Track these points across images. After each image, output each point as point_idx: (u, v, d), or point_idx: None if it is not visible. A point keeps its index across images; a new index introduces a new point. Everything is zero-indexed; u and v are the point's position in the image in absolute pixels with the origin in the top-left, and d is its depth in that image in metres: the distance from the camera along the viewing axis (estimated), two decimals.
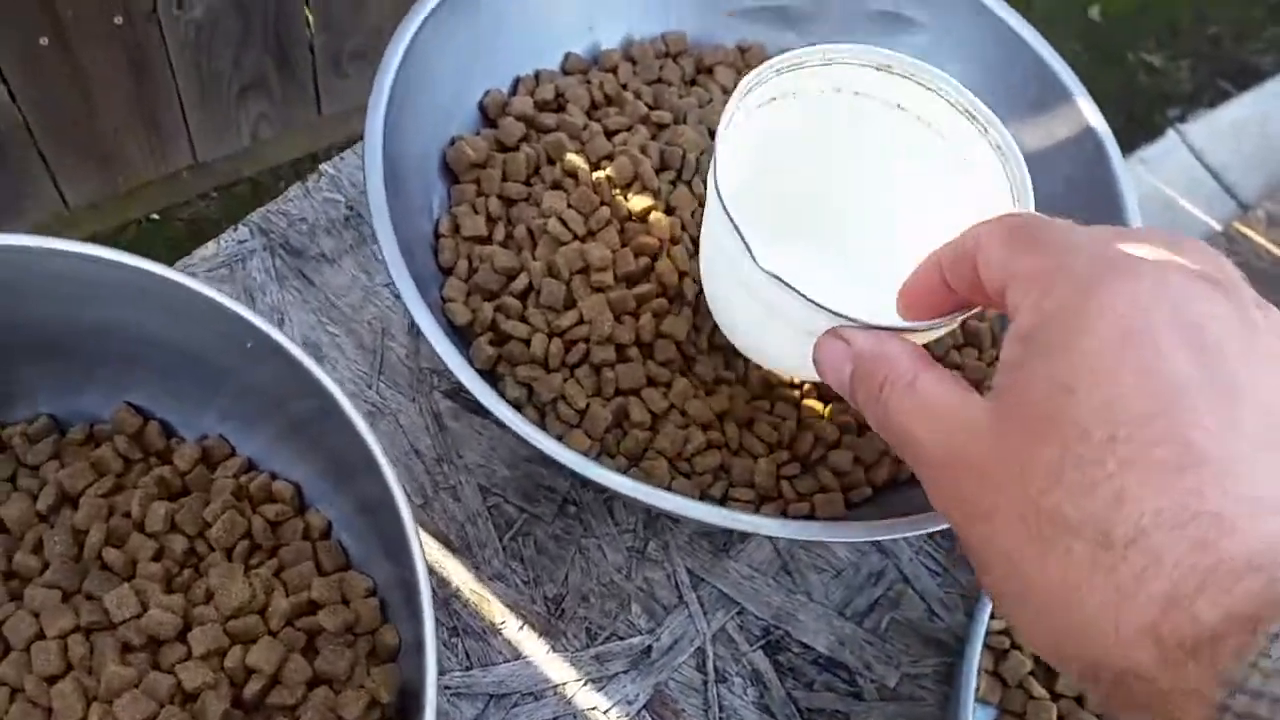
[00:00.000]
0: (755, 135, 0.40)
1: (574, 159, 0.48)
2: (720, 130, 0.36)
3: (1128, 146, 1.83)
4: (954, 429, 0.26)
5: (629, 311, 0.45)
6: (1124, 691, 0.22)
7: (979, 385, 0.46)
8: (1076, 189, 0.47)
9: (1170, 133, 1.85)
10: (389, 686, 0.36)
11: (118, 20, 1.02)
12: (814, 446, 0.44)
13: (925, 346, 0.34)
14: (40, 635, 0.35)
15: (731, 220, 0.34)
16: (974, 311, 0.32)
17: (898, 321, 0.32)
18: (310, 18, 1.17)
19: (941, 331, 0.34)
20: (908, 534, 0.38)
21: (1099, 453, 0.22)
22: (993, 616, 0.45)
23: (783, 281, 0.33)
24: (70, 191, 1.17)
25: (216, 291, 0.35)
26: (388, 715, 0.36)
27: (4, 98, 1.01)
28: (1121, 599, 0.21)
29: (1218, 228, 1.70)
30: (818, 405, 0.46)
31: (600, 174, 0.47)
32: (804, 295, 0.33)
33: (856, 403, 0.30)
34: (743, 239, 0.34)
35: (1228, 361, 0.23)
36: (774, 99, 0.39)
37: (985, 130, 0.38)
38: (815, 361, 0.32)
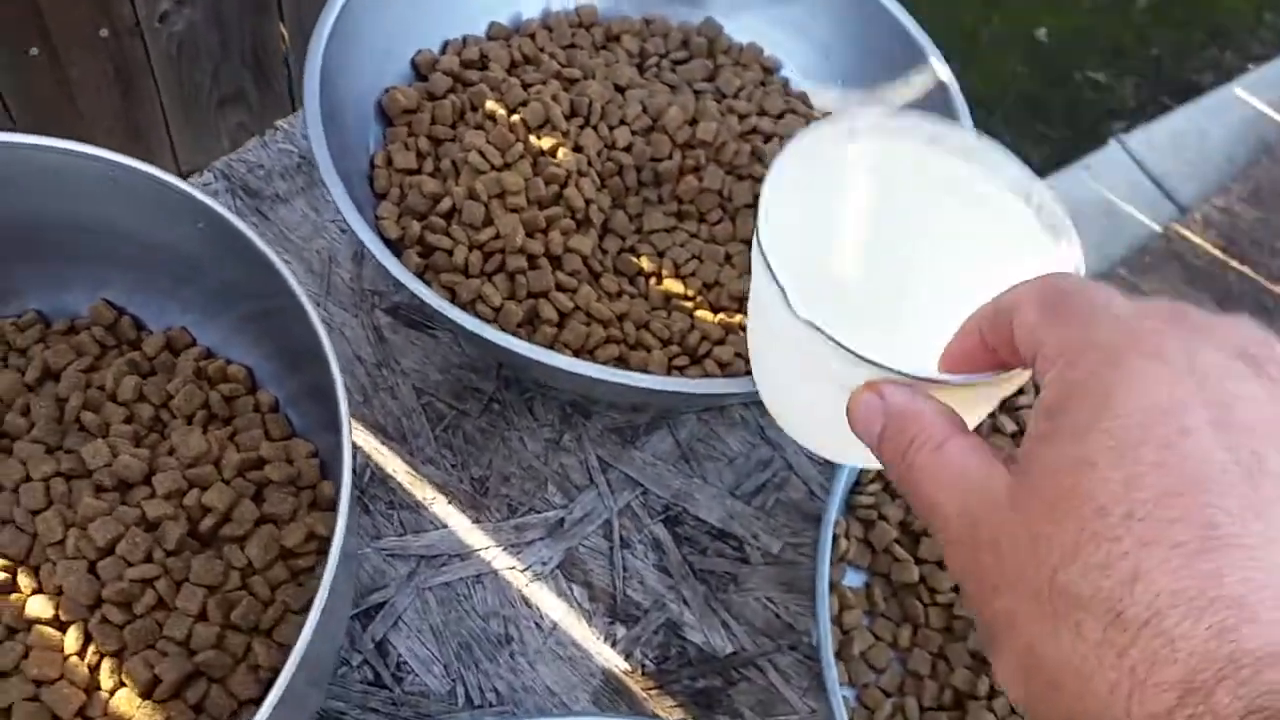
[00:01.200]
0: (806, 189, 0.38)
1: (493, 105, 0.55)
2: (769, 178, 0.35)
3: (1073, 156, 1.92)
4: (975, 498, 0.25)
5: (540, 229, 0.52)
6: None
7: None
8: None
9: (1113, 142, 1.94)
10: (325, 523, 0.42)
11: (103, 32, 1.09)
12: (701, 341, 0.51)
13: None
14: (27, 478, 0.41)
15: (768, 264, 0.32)
16: (1014, 374, 0.31)
17: (935, 373, 0.31)
18: (285, 33, 1.25)
19: (979, 388, 0.32)
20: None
21: (1116, 530, 0.21)
22: (856, 491, 0.52)
23: (821, 331, 0.31)
24: None
25: (197, 189, 0.42)
26: (324, 549, 0.43)
27: None
28: (1134, 682, 0.21)
29: (1158, 229, 1.79)
30: (707, 314, 0.53)
31: (516, 117, 0.55)
32: (842, 345, 0.31)
33: (883, 459, 0.29)
34: (779, 284, 0.32)
35: (1256, 443, 0.22)
36: (830, 161, 0.38)
37: (1044, 213, 0.36)
38: (849, 413, 0.31)
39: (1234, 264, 1.74)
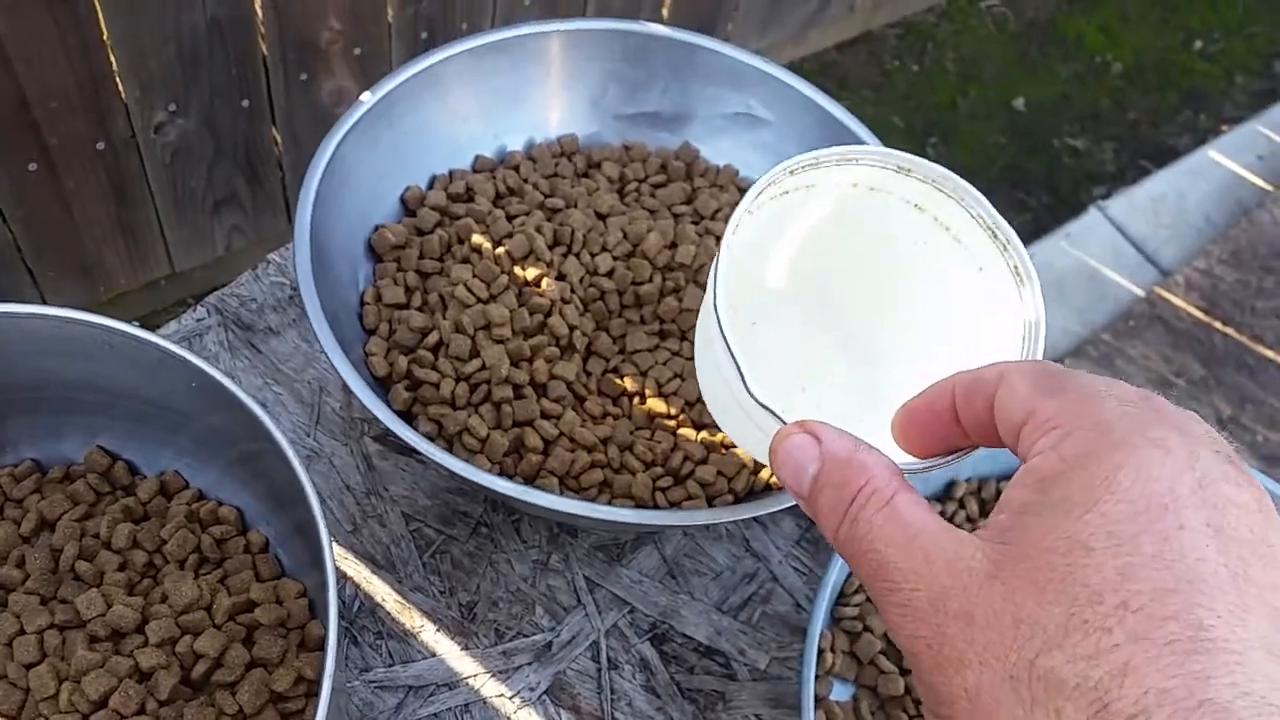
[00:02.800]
0: (765, 222, 0.39)
1: (479, 238, 0.57)
2: (726, 236, 0.35)
3: (1054, 223, 1.95)
4: (943, 566, 0.24)
5: (525, 358, 0.53)
6: None
7: None
8: None
9: (1093, 209, 1.97)
10: (314, 666, 0.43)
11: (99, 145, 1.13)
12: (684, 462, 0.53)
13: None
14: (21, 631, 0.42)
15: (728, 345, 0.33)
16: (959, 456, 0.30)
17: (888, 448, 0.30)
18: (278, 136, 1.28)
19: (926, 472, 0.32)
20: (757, 514, 0.46)
21: (1108, 620, 0.21)
22: (841, 603, 0.53)
23: (773, 413, 0.31)
24: (54, 301, 1.26)
25: (178, 346, 0.43)
26: (313, 692, 0.43)
27: None
28: None
29: (1140, 293, 1.82)
30: (690, 432, 0.54)
31: (501, 249, 0.57)
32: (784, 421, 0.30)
33: (815, 509, 0.27)
34: (737, 365, 0.32)
35: (1243, 551, 0.22)
36: (787, 192, 0.38)
37: (1005, 249, 0.36)
38: (772, 454, 0.29)
39: (1217, 325, 1.76)
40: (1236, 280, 1.82)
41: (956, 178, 0.36)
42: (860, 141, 0.58)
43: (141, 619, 0.43)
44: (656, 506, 0.52)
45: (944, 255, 0.38)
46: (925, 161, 0.36)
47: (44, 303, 1.24)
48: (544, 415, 0.53)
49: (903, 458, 0.31)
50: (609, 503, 0.52)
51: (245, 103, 1.21)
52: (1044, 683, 0.21)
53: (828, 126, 0.59)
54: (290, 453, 0.43)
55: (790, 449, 0.28)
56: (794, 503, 0.48)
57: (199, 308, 0.59)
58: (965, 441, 0.29)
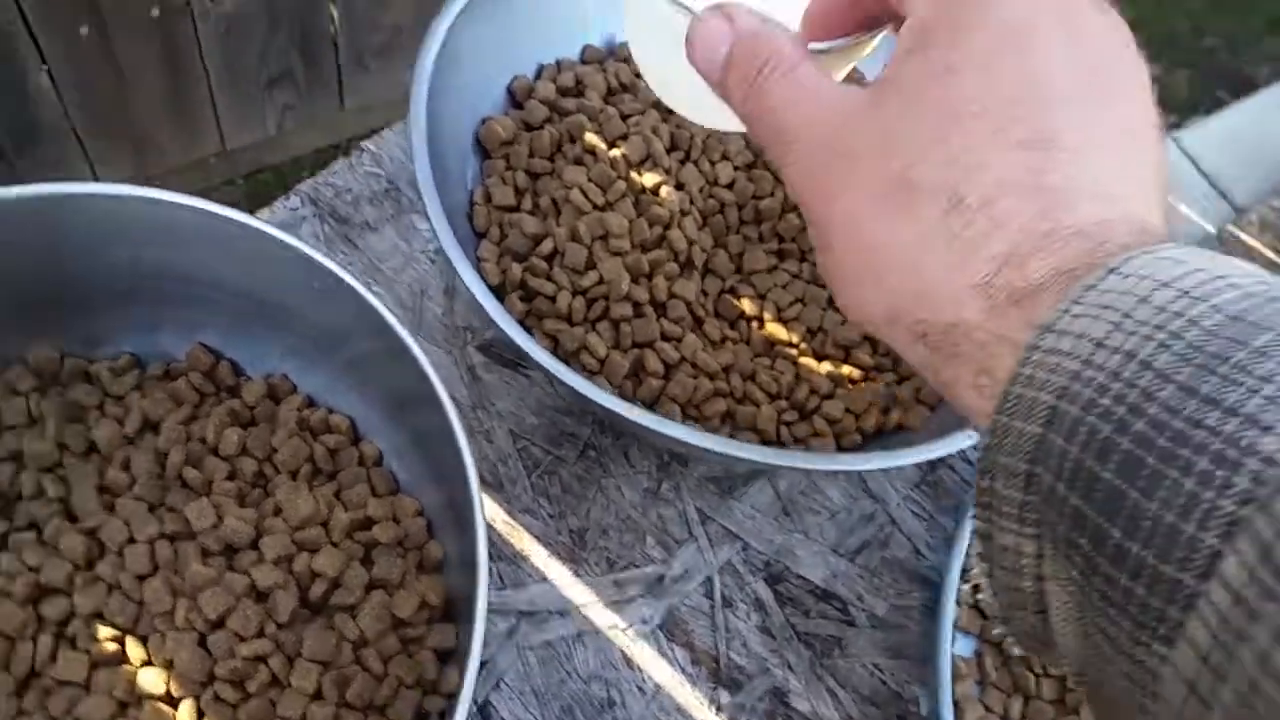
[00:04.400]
0: None
1: (592, 138, 0.53)
2: None
3: None
4: (829, 115, 0.26)
5: (644, 274, 0.50)
6: (947, 344, 0.24)
7: None
8: None
9: (1167, 139, 1.89)
10: (437, 592, 0.41)
11: (154, 12, 1.07)
12: (809, 396, 0.49)
13: None
14: (131, 540, 0.40)
15: None
16: (875, 34, 0.31)
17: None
18: (335, 14, 1.22)
19: (840, 53, 0.31)
20: (887, 466, 0.43)
21: (968, 125, 0.24)
22: (965, 554, 0.50)
23: (684, 6, 0.30)
24: (103, 172, 1.21)
25: (291, 237, 0.39)
26: (434, 618, 0.41)
27: (45, 83, 1.06)
28: (963, 258, 0.23)
29: (1211, 230, 1.75)
30: (812, 362, 0.51)
31: (616, 152, 0.52)
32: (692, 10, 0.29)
33: (727, 87, 0.28)
34: None
35: (1104, 68, 0.25)
36: None
37: None
38: (689, 40, 0.30)
39: None
40: None
41: None
42: None
43: (255, 533, 0.40)
44: (781, 442, 0.49)
45: None
46: None
47: (94, 174, 1.19)
48: (664, 336, 0.49)
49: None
50: (731, 434, 0.49)
51: None
52: (908, 190, 0.24)
53: None
54: (419, 353, 0.40)
55: (705, 32, 0.29)
56: (930, 455, 0.44)
57: (292, 196, 0.55)
58: (874, 22, 0.30)
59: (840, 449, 0.49)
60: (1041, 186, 0.23)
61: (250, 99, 1.25)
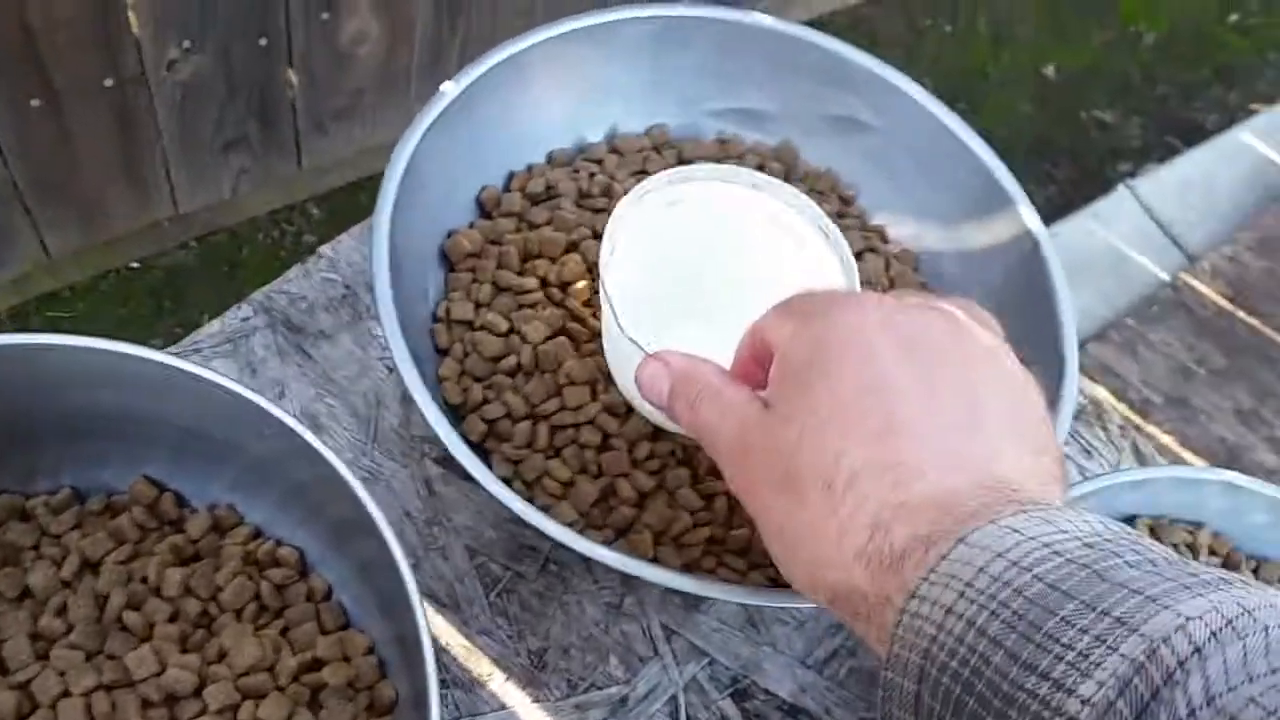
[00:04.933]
0: (653, 234, 0.47)
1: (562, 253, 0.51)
2: (608, 228, 0.44)
3: (1078, 197, 1.91)
4: (741, 423, 0.33)
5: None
6: (850, 606, 0.29)
7: None
8: (1013, 279, 0.52)
9: (1121, 188, 1.93)
10: None
11: (108, 82, 1.05)
12: None
13: None
14: (66, 693, 0.38)
15: (606, 293, 0.41)
16: None
17: None
18: (294, 79, 1.21)
19: None
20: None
21: (825, 425, 0.30)
22: None
23: (637, 344, 0.40)
24: (52, 240, 1.19)
25: (232, 382, 0.38)
26: None
27: None
28: (843, 531, 0.28)
29: (1166, 278, 1.78)
30: None
31: (583, 284, 0.51)
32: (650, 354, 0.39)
33: (674, 412, 0.36)
34: (612, 308, 0.41)
35: (935, 360, 0.31)
36: (670, 204, 0.47)
37: (833, 243, 0.46)
38: (637, 380, 0.38)
39: (1241, 315, 1.73)
40: (1264, 269, 1.79)
41: (792, 189, 0.47)
42: (976, 159, 0.53)
43: (198, 681, 0.39)
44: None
45: (791, 256, 0.48)
46: (772, 179, 0.47)
47: (42, 243, 1.17)
48: (635, 465, 0.48)
49: None
50: (720, 557, 0.47)
51: (263, 41, 1.13)
52: (797, 479, 0.30)
53: (940, 139, 0.54)
54: (356, 484, 0.39)
55: (646, 374, 0.37)
56: None
57: (244, 305, 0.54)
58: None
59: None
60: (893, 464, 0.28)
61: (205, 164, 1.23)
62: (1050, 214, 1.90)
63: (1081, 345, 1.68)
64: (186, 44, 1.07)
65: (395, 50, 1.25)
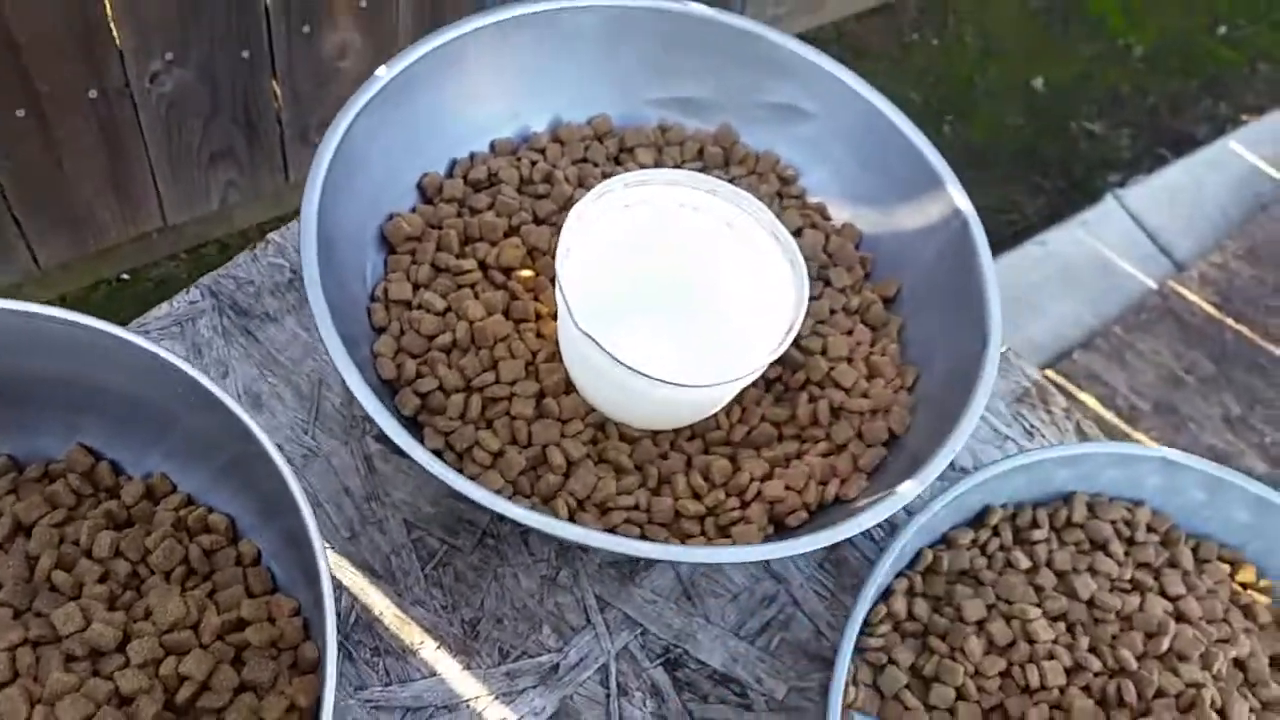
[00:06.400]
0: (611, 235, 0.50)
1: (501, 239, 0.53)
2: (566, 225, 0.46)
3: (1067, 207, 1.91)
4: None
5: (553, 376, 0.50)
6: None
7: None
8: (944, 259, 0.53)
9: (1109, 197, 1.93)
10: (306, 693, 0.40)
11: (92, 94, 1.08)
12: (750, 483, 0.49)
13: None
14: None
15: (561, 289, 0.43)
16: (750, 373, 0.45)
17: (693, 379, 0.44)
18: (279, 91, 1.23)
19: (717, 388, 0.45)
20: (772, 556, 0.43)
21: None
22: (866, 633, 0.50)
23: (593, 339, 0.42)
24: (42, 252, 1.21)
25: (161, 348, 0.40)
26: None
27: None
28: None
29: (1153, 286, 1.78)
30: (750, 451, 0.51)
31: (528, 273, 0.52)
32: (608, 351, 0.42)
33: None
34: (566, 303, 0.43)
35: None
36: (627, 206, 0.49)
37: (785, 248, 0.49)
38: None
39: (1230, 322, 1.73)
40: (1251, 277, 1.79)
41: (749, 196, 0.50)
42: (910, 144, 0.54)
43: (123, 637, 0.40)
44: (704, 532, 0.49)
45: (742, 258, 0.51)
46: (728, 185, 0.50)
47: (32, 254, 1.19)
48: (566, 435, 0.49)
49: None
50: (645, 525, 0.48)
51: (245, 54, 1.16)
52: None
53: (874, 124, 0.55)
54: (280, 461, 0.40)
55: None
56: (833, 540, 0.45)
57: (193, 289, 0.55)
58: None
59: (783, 528, 0.49)
60: None
61: (192, 176, 1.26)
62: (1039, 224, 1.91)
63: (1069, 353, 1.68)
64: (169, 56, 1.09)
65: (378, 62, 1.25)
